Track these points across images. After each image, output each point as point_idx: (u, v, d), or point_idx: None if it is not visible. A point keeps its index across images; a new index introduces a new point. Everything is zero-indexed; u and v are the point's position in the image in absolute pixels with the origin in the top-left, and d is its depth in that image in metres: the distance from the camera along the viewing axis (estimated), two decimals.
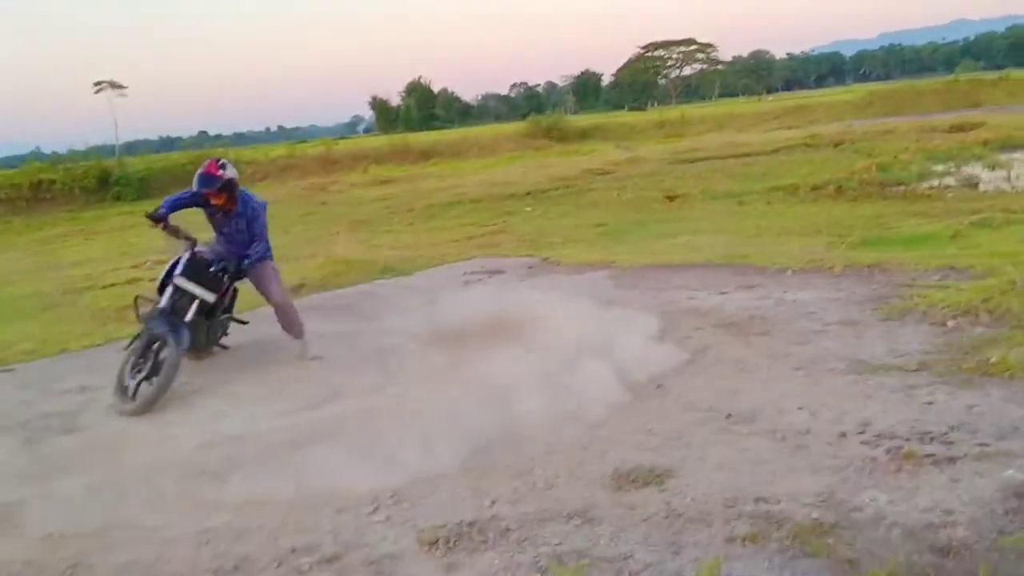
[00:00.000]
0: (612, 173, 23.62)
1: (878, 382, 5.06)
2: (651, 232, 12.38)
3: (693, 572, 3.18)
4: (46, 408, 6.45)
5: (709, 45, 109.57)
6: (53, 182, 30.95)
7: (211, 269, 6.40)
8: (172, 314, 6.28)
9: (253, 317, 7.58)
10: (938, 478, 3.74)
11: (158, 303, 6.34)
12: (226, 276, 6.52)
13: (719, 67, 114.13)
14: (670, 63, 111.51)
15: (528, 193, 20.29)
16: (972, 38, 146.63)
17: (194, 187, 6.44)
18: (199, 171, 6.50)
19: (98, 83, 48.83)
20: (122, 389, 6.08)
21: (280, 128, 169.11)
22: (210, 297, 6.42)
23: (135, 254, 16.20)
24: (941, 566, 3.06)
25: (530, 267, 10.33)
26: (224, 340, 7.23)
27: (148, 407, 5.93)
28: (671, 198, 16.14)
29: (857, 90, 61.87)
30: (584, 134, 46.57)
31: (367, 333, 7.59)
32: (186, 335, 6.23)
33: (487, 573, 3.37)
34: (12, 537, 4.26)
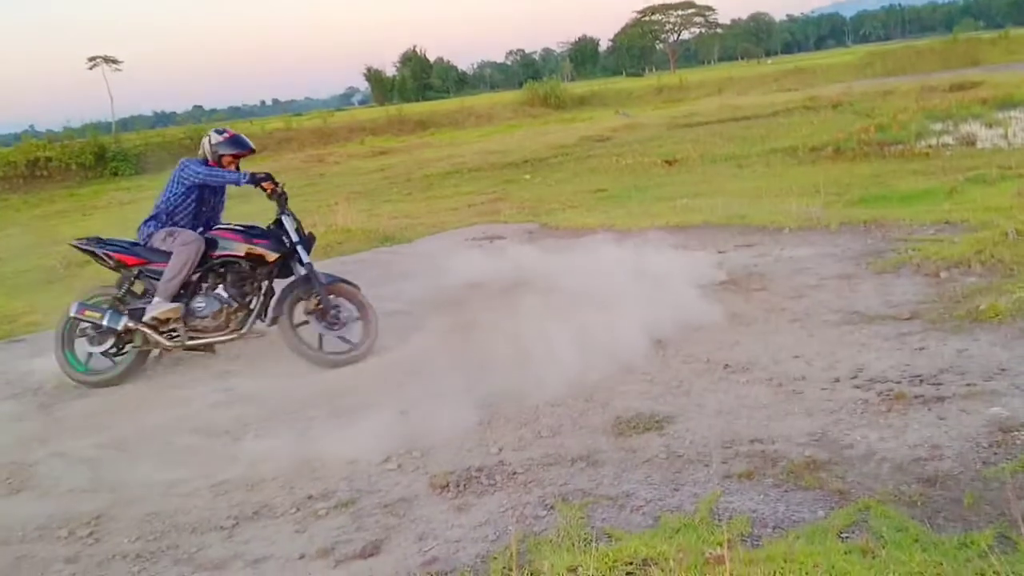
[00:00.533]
0: (611, 139, 23.61)
1: (872, 331, 5.19)
2: (650, 196, 12.45)
3: (692, 506, 3.33)
4: (58, 375, 6.60)
5: (708, 8, 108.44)
6: (50, 159, 30.87)
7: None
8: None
9: None
10: (927, 416, 3.88)
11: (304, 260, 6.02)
12: None
13: (718, 31, 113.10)
14: (668, 27, 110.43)
15: (526, 161, 20.33)
16: None
17: (231, 149, 6.11)
18: (231, 134, 6.20)
19: (92, 58, 48.50)
20: (301, 342, 5.94)
21: (275, 101, 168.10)
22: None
23: (135, 228, 16.27)
24: (928, 495, 3.21)
25: (530, 232, 10.43)
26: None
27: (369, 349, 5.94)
28: (670, 162, 16.18)
29: (857, 51, 61.53)
30: (582, 101, 46.39)
31: (370, 298, 7.71)
32: None
33: (496, 511, 3.52)
34: (34, 493, 4.42)
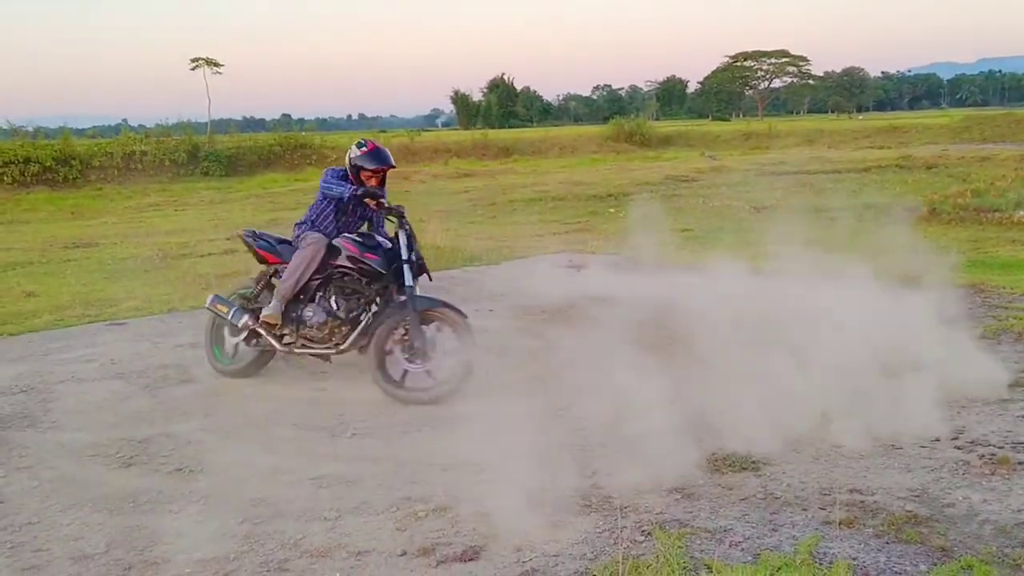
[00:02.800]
0: (697, 181, 23.58)
1: (972, 395, 5.13)
2: (739, 240, 12.41)
3: (791, 547, 3.35)
4: (161, 360, 6.90)
5: (802, 58, 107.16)
6: (145, 153, 32.04)
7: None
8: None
9: None
10: None
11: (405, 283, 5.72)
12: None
13: (810, 81, 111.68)
14: (759, 74, 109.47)
15: (610, 195, 20.42)
16: None
17: (368, 164, 5.87)
18: (371, 147, 5.96)
19: (195, 60, 49.88)
20: (382, 375, 5.69)
21: (361, 116, 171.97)
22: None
23: (227, 227, 16.90)
24: None
25: (617, 264, 10.50)
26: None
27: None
28: (758, 209, 16.12)
29: (953, 114, 60.24)
30: (667, 140, 46.41)
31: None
32: None
33: (592, 532, 3.60)
34: (145, 468, 4.63)
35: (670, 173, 25.70)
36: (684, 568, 3.16)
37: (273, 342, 5.99)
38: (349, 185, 5.82)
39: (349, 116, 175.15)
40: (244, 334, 6.15)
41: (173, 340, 7.55)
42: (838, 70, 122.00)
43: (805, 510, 3.70)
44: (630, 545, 3.44)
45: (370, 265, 5.79)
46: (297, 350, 6.00)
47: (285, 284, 5.86)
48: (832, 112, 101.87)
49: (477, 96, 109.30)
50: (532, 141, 43.68)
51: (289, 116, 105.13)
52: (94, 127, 67.64)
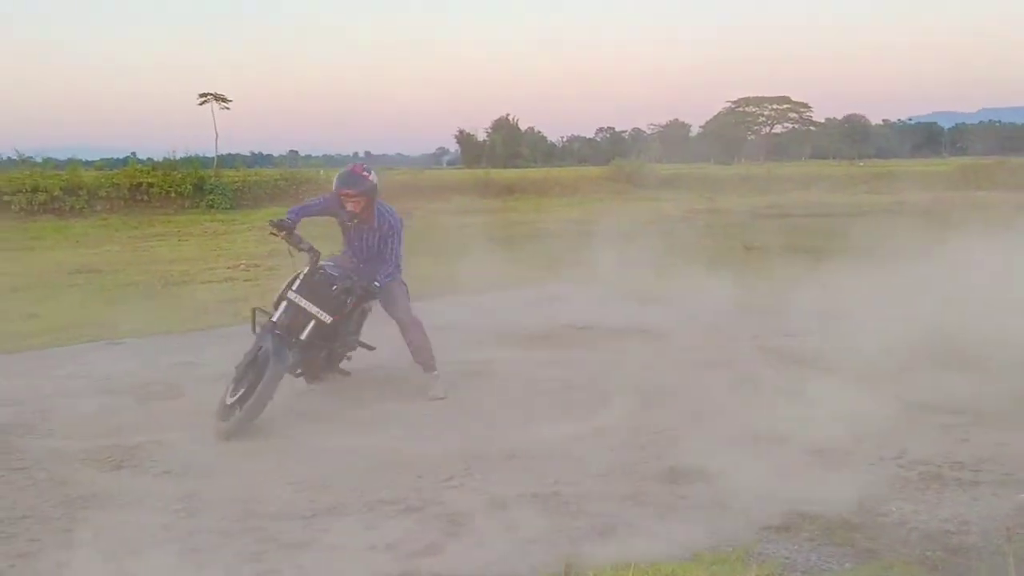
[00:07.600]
0: (691, 221, 23.96)
1: (924, 420, 5.41)
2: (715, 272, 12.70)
3: (730, 548, 3.62)
4: (154, 376, 7.16)
5: (803, 104, 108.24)
6: (151, 185, 32.29)
7: (334, 288, 5.82)
8: (286, 331, 5.73)
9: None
10: (961, 496, 4.13)
11: (271, 317, 5.83)
12: (350, 297, 5.90)
13: (811, 128, 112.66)
14: (761, 119, 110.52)
15: (604, 232, 20.76)
16: None
17: (334, 186, 6.09)
18: (343, 170, 6.18)
19: (203, 95, 50.71)
20: (223, 409, 5.58)
21: (367, 154, 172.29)
22: (326, 318, 5.77)
23: (229, 256, 17.27)
24: (949, 561, 3.46)
25: (598, 295, 10.84)
26: (345, 365, 6.60)
27: (238, 431, 5.41)
28: (748, 248, 16.44)
29: (951, 162, 60.86)
30: (667, 182, 46.83)
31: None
32: (288, 356, 5.65)
33: (545, 531, 3.86)
34: (134, 471, 4.90)
35: (666, 213, 26.09)
36: (626, 563, 3.41)
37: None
38: (296, 210, 6.21)
39: (355, 153, 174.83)
40: None
41: (167, 359, 7.83)
42: (839, 117, 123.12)
43: (748, 516, 3.96)
44: (581, 543, 3.70)
45: None
46: None
47: None
48: (834, 158, 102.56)
49: (482, 136, 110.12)
50: (534, 181, 44.14)
51: (296, 152, 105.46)
52: (102, 159, 68.15)
